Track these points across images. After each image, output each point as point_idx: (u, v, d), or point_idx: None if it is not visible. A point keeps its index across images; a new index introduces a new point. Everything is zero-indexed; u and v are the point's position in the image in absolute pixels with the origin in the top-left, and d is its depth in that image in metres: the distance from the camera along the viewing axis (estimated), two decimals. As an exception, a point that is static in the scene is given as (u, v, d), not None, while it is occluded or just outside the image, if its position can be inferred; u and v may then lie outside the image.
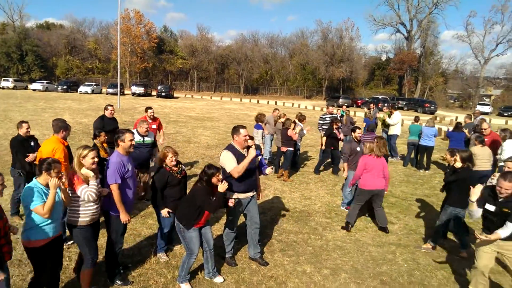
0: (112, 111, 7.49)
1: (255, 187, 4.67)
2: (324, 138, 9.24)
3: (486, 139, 7.83)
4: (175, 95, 42.17)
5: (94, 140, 6.08)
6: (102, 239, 4.86)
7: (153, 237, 5.24)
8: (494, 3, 73.62)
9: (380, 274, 4.64)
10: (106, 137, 6.12)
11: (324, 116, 10.72)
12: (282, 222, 6.12)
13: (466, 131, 9.78)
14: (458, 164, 5.05)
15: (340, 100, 38.67)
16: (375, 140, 5.98)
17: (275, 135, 9.70)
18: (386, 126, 11.80)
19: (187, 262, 4.06)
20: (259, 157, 4.92)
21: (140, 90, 39.30)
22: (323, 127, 10.41)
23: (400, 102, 41.59)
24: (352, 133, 7.22)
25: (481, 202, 3.92)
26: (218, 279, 4.24)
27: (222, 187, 3.91)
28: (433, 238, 5.37)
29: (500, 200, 3.76)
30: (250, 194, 4.55)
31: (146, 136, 6.41)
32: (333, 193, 7.93)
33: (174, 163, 4.45)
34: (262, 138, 8.59)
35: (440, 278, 4.61)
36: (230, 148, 4.43)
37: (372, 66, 59.89)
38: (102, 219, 4.04)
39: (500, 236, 3.66)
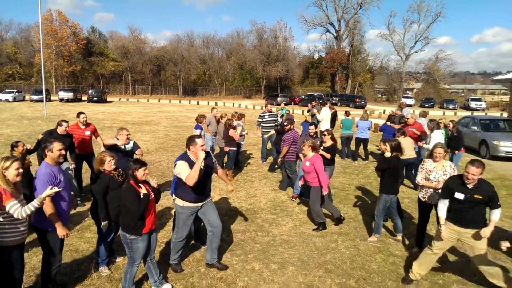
0: (84, 119, 7.05)
1: (207, 195, 4.54)
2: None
3: (411, 128, 8.87)
4: (108, 99, 40.10)
5: (13, 152, 5.45)
6: (35, 259, 4.47)
7: (92, 251, 4.92)
8: (411, 3, 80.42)
9: (325, 263, 4.84)
10: (25, 148, 5.56)
11: (263, 114, 10.90)
12: (229, 222, 6.11)
13: (388, 123, 10.67)
14: (388, 154, 5.43)
15: (279, 99, 39.73)
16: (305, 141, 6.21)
17: (217, 135, 9.67)
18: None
19: (130, 272, 3.87)
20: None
21: (69, 95, 36.70)
22: (262, 125, 10.62)
23: (334, 98, 43.93)
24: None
25: (447, 193, 4.12)
26: (166, 287, 4.11)
27: (154, 182, 3.92)
28: (376, 230, 5.57)
29: (470, 187, 3.94)
30: (199, 204, 4.42)
31: (127, 144, 6.10)
32: (277, 189, 8.10)
33: (113, 166, 4.28)
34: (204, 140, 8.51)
35: (379, 261, 4.93)
36: (185, 157, 4.28)
37: (306, 65, 62.24)
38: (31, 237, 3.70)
39: (495, 221, 3.92)
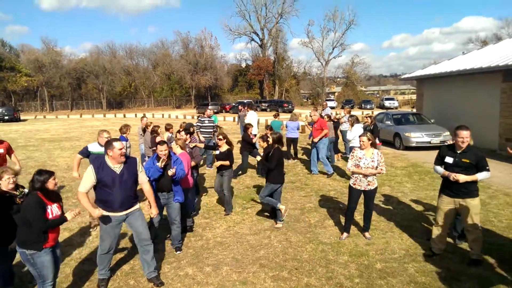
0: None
1: (132, 204, 4.19)
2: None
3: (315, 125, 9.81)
4: (22, 117, 36.40)
5: None
6: None
7: None
8: (327, 12, 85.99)
9: (259, 258, 4.88)
10: None
11: (203, 119, 10.95)
12: (161, 230, 5.86)
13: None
14: (264, 144, 6.09)
15: (209, 107, 39.46)
16: None
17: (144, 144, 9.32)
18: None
19: None
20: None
21: (-26, 115, 32.58)
22: (201, 130, 10.56)
23: (263, 104, 45.10)
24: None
25: (439, 158, 4.59)
26: None
27: (69, 215, 3.49)
28: (278, 218, 6.01)
29: (458, 152, 4.36)
30: (123, 212, 4.09)
31: None
32: (210, 193, 8.01)
33: (12, 186, 3.80)
34: (127, 150, 8.08)
35: (310, 250, 5.10)
36: (97, 162, 4.00)
37: (235, 73, 63.10)
38: None
39: (477, 178, 4.26)
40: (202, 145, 7.72)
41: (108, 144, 4.03)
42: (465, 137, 4.31)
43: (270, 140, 5.88)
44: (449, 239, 5.01)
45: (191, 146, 6.98)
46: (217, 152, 6.63)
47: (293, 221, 6.27)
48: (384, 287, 4.07)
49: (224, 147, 6.58)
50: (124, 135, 8.06)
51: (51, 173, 3.52)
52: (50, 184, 3.47)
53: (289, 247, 5.22)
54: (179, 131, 7.42)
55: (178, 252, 5.12)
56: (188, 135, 7.26)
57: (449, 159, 4.47)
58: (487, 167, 4.31)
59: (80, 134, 21.07)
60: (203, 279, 4.40)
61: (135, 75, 56.59)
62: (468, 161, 4.31)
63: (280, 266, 4.66)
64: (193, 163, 6.43)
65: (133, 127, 17.34)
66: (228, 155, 6.55)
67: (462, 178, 4.27)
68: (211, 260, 4.87)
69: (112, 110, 50.02)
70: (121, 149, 3.96)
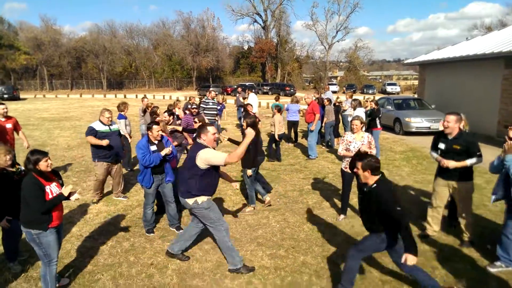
0: (5, 111, 6.70)
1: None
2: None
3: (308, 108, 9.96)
4: (22, 96, 36.19)
5: None
6: None
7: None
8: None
9: (257, 237, 4.98)
10: None
11: (207, 101, 10.88)
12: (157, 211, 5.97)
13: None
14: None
15: (211, 89, 39.28)
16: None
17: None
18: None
19: (49, 272, 3.50)
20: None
21: (-27, 93, 32.40)
22: (205, 112, 10.49)
23: (265, 87, 44.81)
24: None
25: (433, 144, 4.70)
26: (63, 281, 3.89)
27: (66, 191, 3.45)
28: (251, 201, 6.00)
29: (450, 138, 4.43)
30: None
31: (110, 124, 6.15)
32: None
33: (9, 162, 3.84)
34: (126, 128, 8.11)
35: (307, 230, 5.21)
36: (203, 146, 3.97)
37: (237, 55, 62.37)
38: None
39: (467, 164, 4.32)
40: (180, 128, 7.29)
41: (203, 129, 4.08)
42: (447, 121, 4.40)
43: (244, 124, 5.82)
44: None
45: (169, 129, 6.80)
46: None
47: (291, 202, 6.36)
48: (378, 266, 4.17)
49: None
50: (122, 112, 8.08)
51: (44, 154, 3.45)
52: (42, 166, 3.40)
53: (286, 227, 5.32)
54: (165, 112, 7.40)
55: (180, 231, 5.20)
56: (171, 116, 7.17)
57: (441, 145, 4.57)
58: (478, 153, 4.36)
59: (80, 114, 21.07)
60: (202, 256, 4.50)
61: (136, 55, 55.97)
62: (459, 147, 4.39)
63: (277, 245, 4.76)
64: (175, 143, 6.42)
65: (134, 107, 17.39)
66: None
67: (451, 164, 4.38)
68: (210, 239, 4.96)
69: (113, 91, 49.72)
70: (214, 133, 4.04)
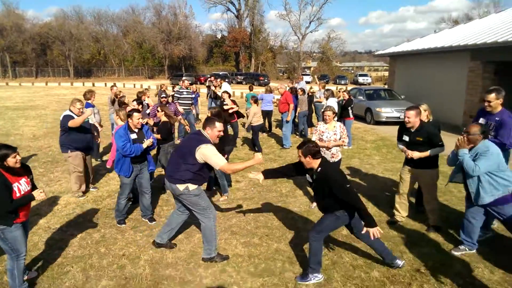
0: None
1: None
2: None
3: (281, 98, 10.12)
4: (-19, 84, 34.26)
5: None
6: None
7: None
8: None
9: (231, 226, 4.99)
10: None
11: (181, 90, 10.60)
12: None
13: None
14: None
15: (184, 78, 38.59)
16: None
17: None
18: (216, 97, 12.49)
19: (17, 267, 3.35)
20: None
21: None
22: (180, 101, 10.24)
23: (239, 77, 44.62)
24: None
25: (399, 136, 4.85)
26: (31, 274, 3.77)
27: (37, 193, 3.30)
28: (224, 190, 6.06)
29: (412, 131, 4.56)
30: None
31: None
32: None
33: None
34: (95, 116, 7.79)
35: (280, 218, 5.26)
36: (207, 140, 3.88)
37: (210, 44, 61.51)
38: None
39: (428, 154, 4.46)
40: (151, 121, 6.86)
41: (210, 122, 3.97)
42: (407, 117, 4.57)
43: (209, 114, 5.75)
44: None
45: (143, 122, 6.56)
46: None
47: (265, 191, 6.40)
48: (348, 251, 4.28)
49: (162, 119, 6.30)
50: (89, 101, 7.75)
51: (12, 149, 3.23)
52: (10, 162, 3.19)
53: (260, 215, 5.35)
54: (134, 100, 7.20)
55: (153, 222, 5.12)
56: (140, 105, 6.88)
57: (405, 138, 4.73)
58: (440, 143, 4.55)
59: (46, 103, 20.18)
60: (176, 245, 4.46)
61: (104, 42, 54.05)
62: (421, 139, 4.55)
63: (251, 233, 4.78)
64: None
65: (103, 96, 16.83)
66: (161, 129, 6.25)
67: (415, 155, 4.56)
68: (183, 228, 4.89)
69: (80, 79, 47.88)
70: (220, 130, 3.97)
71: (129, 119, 4.92)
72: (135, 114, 4.89)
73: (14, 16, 48.55)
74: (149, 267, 3.98)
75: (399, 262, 3.85)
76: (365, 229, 3.44)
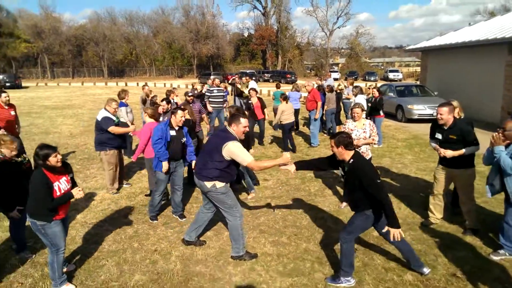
0: (7, 99, 6.76)
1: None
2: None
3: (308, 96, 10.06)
4: (24, 84, 36.13)
5: None
6: None
7: (9, 239, 4.52)
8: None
9: (259, 225, 5.01)
10: None
11: (212, 89, 10.71)
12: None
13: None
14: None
15: (212, 77, 39.05)
16: None
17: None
18: (240, 95, 12.44)
19: (57, 260, 3.51)
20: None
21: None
22: (210, 99, 10.41)
23: (266, 74, 44.58)
24: None
25: (431, 134, 4.72)
26: (70, 267, 3.92)
27: (76, 192, 3.44)
28: (250, 187, 6.09)
29: (445, 128, 4.43)
30: None
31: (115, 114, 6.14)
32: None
33: (15, 153, 3.83)
34: (128, 115, 8.02)
35: (309, 218, 5.22)
36: (233, 137, 3.93)
37: (237, 42, 61.81)
38: None
39: (462, 153, 4.31)
40: None
41: (235, 119, 4.01)
42: (440, 113, 4.39)
43: (228, 114, 5.78)
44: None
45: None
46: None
47: (293, 190, 6.38)
48: (380, 253, 4.19)
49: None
50: (123, 100, 8.00)
51: (53, 149, 3.37)
52: (52, 161, 3.34)
53: (289, 214, 5.34)
54: (163, 100, 7.35)
55: (184, 219, 5.22)
56: (169, 104, 7.05)
57: (438, 135, 4.57)
58: (475, 141, 4.35)
59: (82, 102, 21.05)
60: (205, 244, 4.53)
61: (136, 43, 55.55)
62: (454, 137, 4.38)
63: (279, 232, 4.79)
64: None
65: (135, 95, 17.32)
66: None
67: (448, 154, 4.38)
68: (212, 225, 4.99)
69: (114, 78, 49.54)
70: (245, 126, 4.01)
71: (172, 115, 5.04)
72: (179, 112, 5.01)
73: (51, 19, 50.82)
74: (180, 263, 4.07)
75: (426, 270, 3.70)
76: (386, 227, 3.38)
